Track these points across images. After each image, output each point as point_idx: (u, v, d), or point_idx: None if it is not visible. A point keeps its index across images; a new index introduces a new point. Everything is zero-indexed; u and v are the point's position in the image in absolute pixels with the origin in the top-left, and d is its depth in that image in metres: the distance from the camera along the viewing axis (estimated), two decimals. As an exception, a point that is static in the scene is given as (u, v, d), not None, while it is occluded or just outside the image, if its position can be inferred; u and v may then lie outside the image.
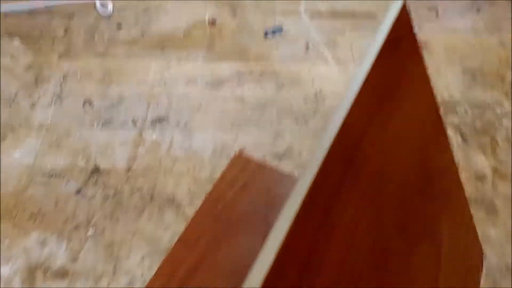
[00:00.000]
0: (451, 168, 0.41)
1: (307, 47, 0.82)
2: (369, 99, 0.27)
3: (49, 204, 0.58)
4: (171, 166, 0.63)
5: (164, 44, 0.80)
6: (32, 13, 0.85)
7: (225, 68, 0.77)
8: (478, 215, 0.60)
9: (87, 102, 0.70)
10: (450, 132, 0.69)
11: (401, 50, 0.32)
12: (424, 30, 0.86)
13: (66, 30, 0.82)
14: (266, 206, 0.59)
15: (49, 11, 0.86)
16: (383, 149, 0.30)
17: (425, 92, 0.36)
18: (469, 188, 0.63)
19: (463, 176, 0.64)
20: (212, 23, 0.85)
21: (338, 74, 0.77)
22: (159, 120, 0.68)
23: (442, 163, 0.40)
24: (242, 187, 0.60)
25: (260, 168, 0.61)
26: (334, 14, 0.88)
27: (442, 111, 0.71)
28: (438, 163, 0.39)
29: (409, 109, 0.34)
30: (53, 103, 0.70)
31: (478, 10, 0.90)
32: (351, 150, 0.25)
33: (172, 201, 0.59)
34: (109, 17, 0.85)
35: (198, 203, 0.59)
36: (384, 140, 0.30)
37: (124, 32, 0.82)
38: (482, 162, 0.66)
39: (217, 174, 0.62)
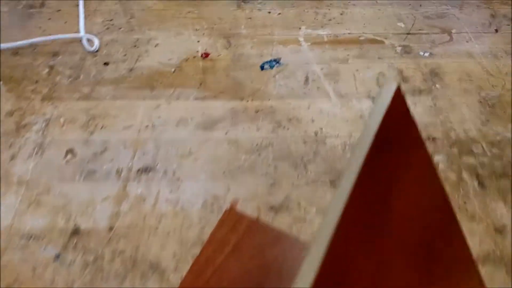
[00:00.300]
0: (463, 257, 0.37)
1: (306, 80, 0.79)
2: (363, 201, 0.24)
3: (27, 272, 0.56)
4: (156, 225, 0.60)
5: (153, 82, 0.78)
6: (16, 51, 0.85)
7: (218, 107, 0.75)
8: (496, 276, 0.55)
9: (70, 151, 0.69)
10: (465, 175, 0.65)
11: (398, 141, 0.29)
12: (436, 56, 0.82)
13: (50, 69, 0.81)
14: (260, 270, 0.56)
15: (33, 48, 0.85)
16: (379, 259, 0.27)
17: (430, 181, 0.33)
18: (486, 242, 0.58)
19: (480, 228, 0.60)
20: (205, 56, 0.83)
21: (340, 110, 0.74)
22: (145, 170, 0.66)
23: (453, 255, 0.36)
24: (233, 249, 0.57)
25: (254, 225, 0.58)
26: (337, 41, 0.85)
27: (456, 151, 0.67)
28: (447, 257, 0.35)
29: (412, 204, 0.31)
30: (34, 154, 0.69)
31: (497, 30, 0.86)
32: (340, 274, 0.22)
33: (156, 267, 0.56)
34: (95, 53, 0.84)
35: (185, 269, 0.57)
36: (382, 247, 0.27)
37: (112, 69, 0.80)
38: (502, 211, 0.61)
39: (207, 233, 0.60)
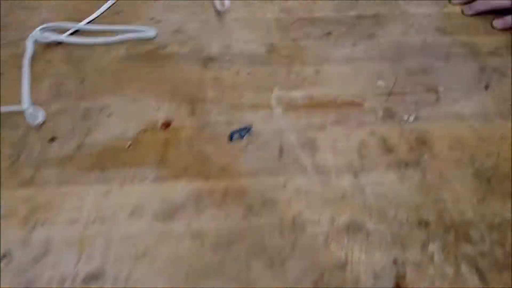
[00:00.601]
0: None
1: (281, 152, 0.72)
2: None
3: None
4: None
5: (105, 160, 0.70)
6: None
7: (180, 189, 0.67)
8: None
9: (6, 255, 0.60)
10: (464, 268, 0.58)
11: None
12: (423, 119, 0.76)
13: (-13, 149, 0.73)
14: None
15: (-32, 123, 0.76)
16: None
17: None
18: None
19: None
20: (166, 126, 0.75)
21: (320, 189, 0.67)
22: (92, 278, 0.57)
23: None
24: None
25: None
26: (313, 104, 0.79)
27: (452, 237, 0.60)
28: None
29: None
30: (-39, 260, 0.59)
31: (487, 86, 0.81)
32: None
33: None
34: (40, 126, 0.75)
35: None
36: None
37: (58, 147, 0.72)
38: (509, 316, 0.54)
39: None
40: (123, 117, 0.77)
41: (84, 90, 0.82)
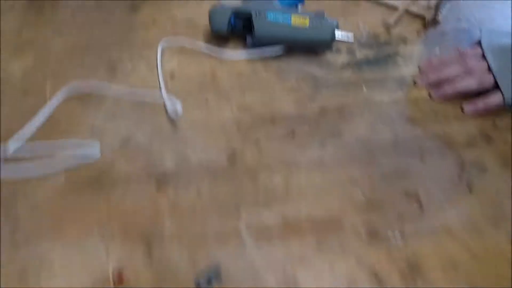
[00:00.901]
0: None
1: (259, 303, 0.60)
2: None
3: None
4: None
5: None
6: None
7: None
8: None
9: None
10: None
11: None
12: (409, 237, 0.66)
13: None
14: None
15: None
16: None
17: None
18: None
19: None
20: (119, 278, 0.61)
21: None
22: None
23: None
24: None
25: None
26: (287, 230, 0.67)
27: None
28: None
29: None
30: None
31: (470, 186, 0.72)
32: None
33: None
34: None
35: None
36: None
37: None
38: None
39: None
40: (67, 271, 0.63)
41: (18, 238, 0.66)
